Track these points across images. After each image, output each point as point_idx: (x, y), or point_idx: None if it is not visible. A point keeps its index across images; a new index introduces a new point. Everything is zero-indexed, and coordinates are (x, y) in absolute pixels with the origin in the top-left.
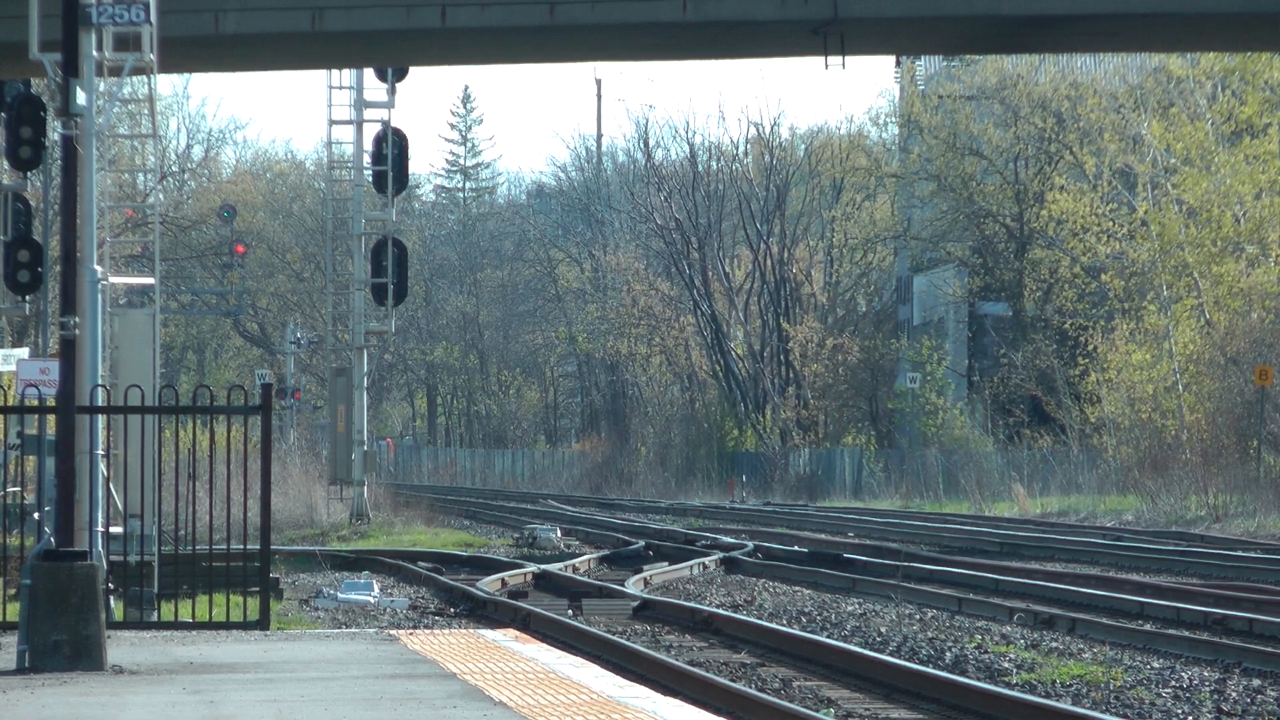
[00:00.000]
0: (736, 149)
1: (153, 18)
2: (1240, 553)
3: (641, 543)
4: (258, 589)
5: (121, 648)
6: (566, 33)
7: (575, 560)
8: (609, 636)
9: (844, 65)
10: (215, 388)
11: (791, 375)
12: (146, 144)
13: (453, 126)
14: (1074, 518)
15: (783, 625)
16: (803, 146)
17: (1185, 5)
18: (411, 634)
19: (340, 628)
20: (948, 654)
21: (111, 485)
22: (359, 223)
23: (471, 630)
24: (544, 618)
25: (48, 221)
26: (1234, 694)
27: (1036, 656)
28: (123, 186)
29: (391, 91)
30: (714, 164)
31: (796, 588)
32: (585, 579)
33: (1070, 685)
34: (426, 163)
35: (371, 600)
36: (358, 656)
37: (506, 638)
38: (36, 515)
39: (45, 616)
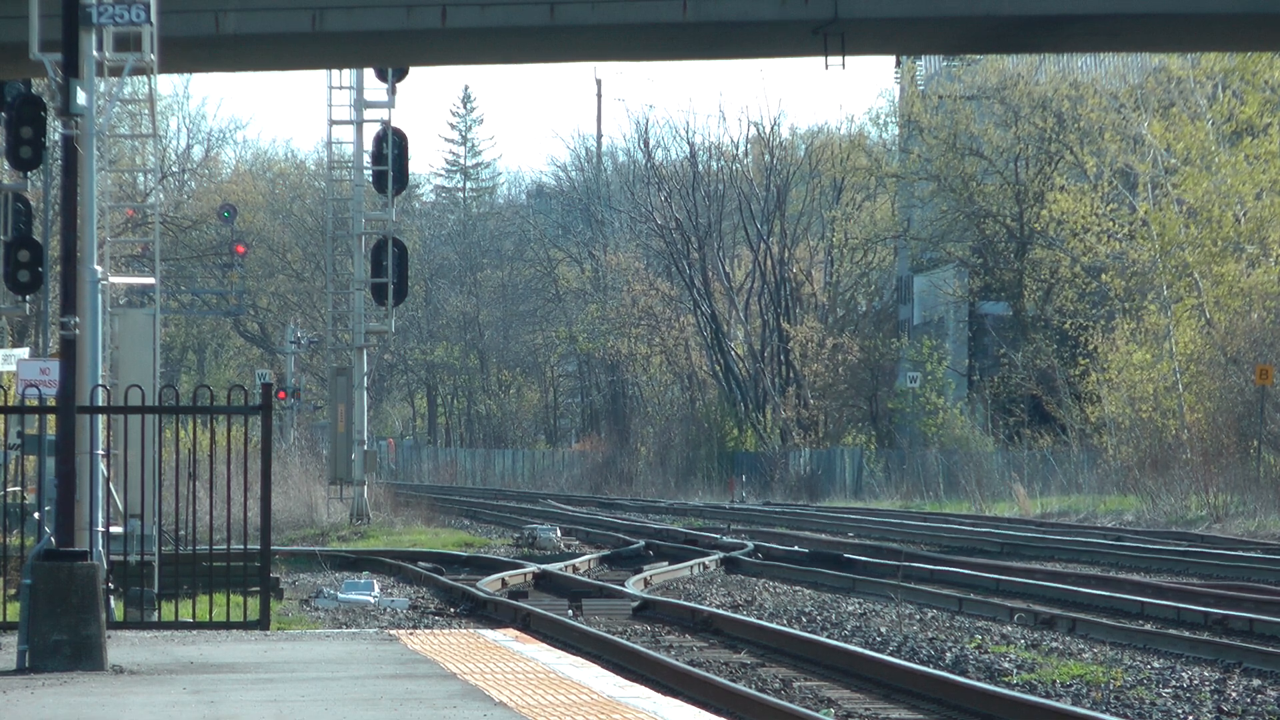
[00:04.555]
0: (736, 149)
1: (153, 18)
2: (1240, 553)
3: (641, 542)
4: (258, 589)
5: (122, 648)
6: (566, 33)
7: (575, 560)
8: (609, 636)
9: (844, 65)
10: (215, 388)
11: (791, 375)
12: (146, 144)
13: (453, 126)
14: (1074, 518)
15: (783, 625)
16: (803, 146)
17: (1185, 5)
18: (412, 634)
19: (340, 628)
20: (948, 654)
21: (111, 485)
22: (359, 223)
23: (472, 630)
24: (544, 618)
25: (48, 221)
26: (1234, 694)
27: (1037, 656)
28: (123, 186)
29: (391, 91)
30: (714, 164)
31: (797, 588)
32: (585, 579)
33: (1070, 685)
34: (426, 163)
35: (372, 600)
36: (358, 656)
37: (507, 638)
38: (36, 515)
39: (45, 616)
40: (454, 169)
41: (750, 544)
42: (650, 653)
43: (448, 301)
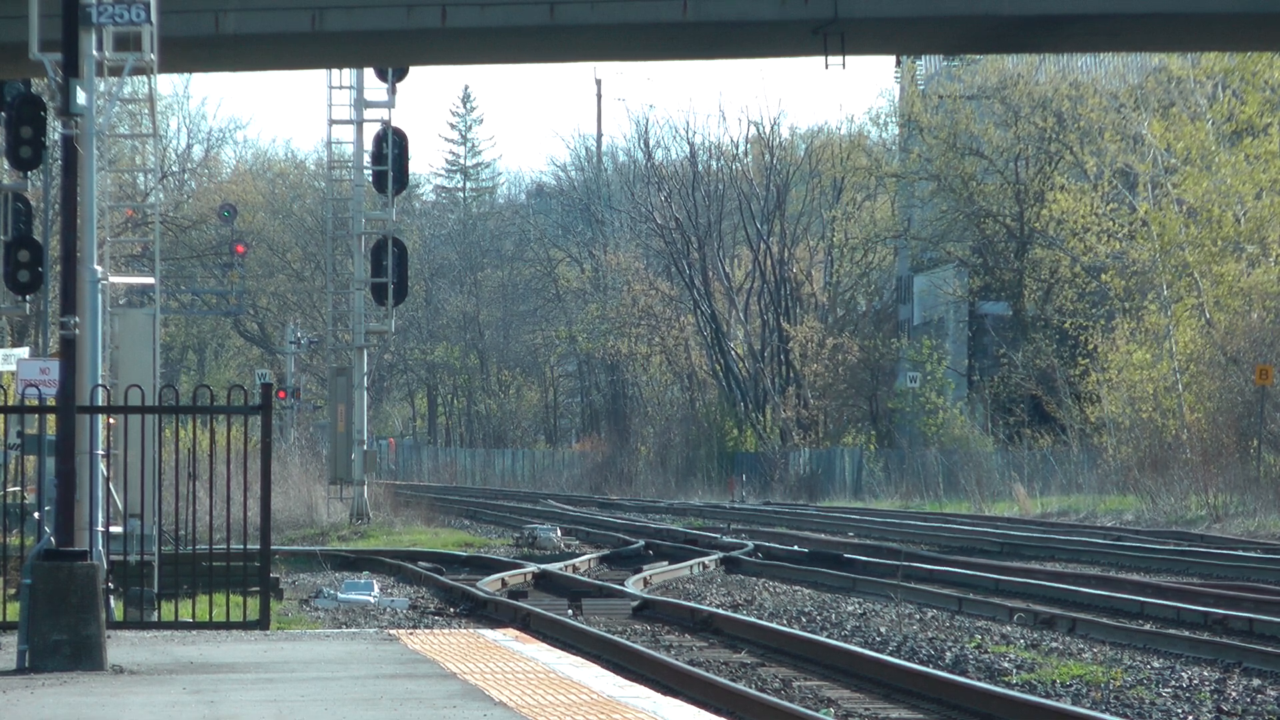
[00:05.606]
0: (736, 149)
1: (153, 18)
2: (1240, 552)
3: (641, 542)
4: (258, 589)
5: (122, 648)
6: (566, 33)
7: (575, 560)
8: (609, 636)
9: (844, 65)
10: (215, 388)
11: (791, 375)
12: (146, 144)
13: (453, 126)
14: (1074, 518)
15: (783, 625)
16: (803, 146)
17: (1185, 5)
18: (412, 634)
19: (340, 628)
20: (948, 654)
21: (111, 485)
22: (359, 222)
23: (472, 630)
24: (544, 617)
25: (48, 221)
26: (1234, 694)
27: (1036, 656)
28: (123, 186)
29: (391, 91)
30: (714, 164)
31: (796, 587)
32: (585, 579)
33: (1070, 685)
34: (426, 163)
35: (372, 600)
36: (358, 656)
37: (507, 637)
38: (36, 515)
39: (45, 616)
40: (454, 169)
41: (750, 544)
42: (650, 652)
43: (448, 301)
